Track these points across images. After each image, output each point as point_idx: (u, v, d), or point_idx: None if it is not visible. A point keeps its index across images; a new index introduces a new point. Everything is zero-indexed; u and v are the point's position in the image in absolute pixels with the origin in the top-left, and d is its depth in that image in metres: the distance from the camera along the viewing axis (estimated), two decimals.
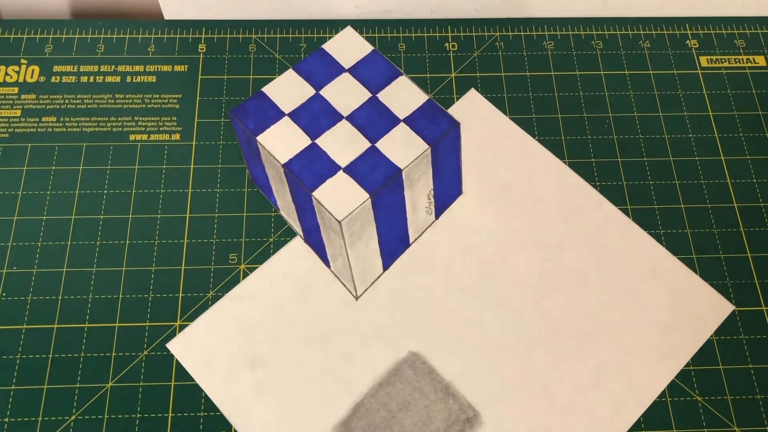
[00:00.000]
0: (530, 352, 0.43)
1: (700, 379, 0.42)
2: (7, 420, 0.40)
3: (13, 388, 0.41)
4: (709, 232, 0.47)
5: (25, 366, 0.41)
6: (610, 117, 0.50)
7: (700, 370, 0.43)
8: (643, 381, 0.42)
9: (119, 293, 0.44)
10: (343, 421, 0.41)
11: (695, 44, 0.54)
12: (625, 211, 0.47)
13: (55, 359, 0.42)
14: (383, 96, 0.46)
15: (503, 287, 0.45)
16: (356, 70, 0.47)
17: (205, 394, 0.41)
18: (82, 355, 0.42)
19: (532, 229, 0.46)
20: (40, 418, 0.40)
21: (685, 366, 0.43)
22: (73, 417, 0.40)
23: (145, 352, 0.42)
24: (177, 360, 0.42)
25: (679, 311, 0.44)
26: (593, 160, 0.49)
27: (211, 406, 0.41)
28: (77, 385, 0.41)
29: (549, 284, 0.45)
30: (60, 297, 0.43)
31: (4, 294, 0.43)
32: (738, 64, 0.53)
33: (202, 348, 0.42)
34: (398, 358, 0.43)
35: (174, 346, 0.43)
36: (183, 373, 0.42)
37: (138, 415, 0.41)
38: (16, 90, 0.50)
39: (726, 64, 0.53)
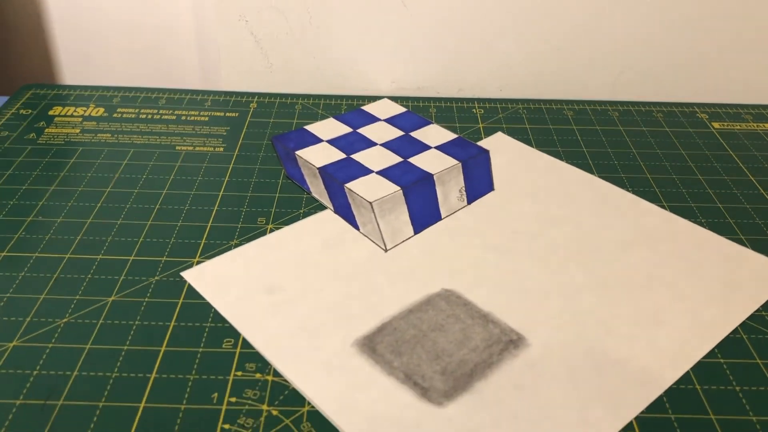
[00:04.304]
0: (578, 295, 0.39)
1: None
2: None
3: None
4: (754, 223, 0.45)
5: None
6: (634, 152, 0.52)
7: None
8: (711, 320, 0.37)
9: (140, 237, 0.42)
10: (367, 335, 0.36)
11: (705, 116, 0.58)
12: (663, 208, 0.46)
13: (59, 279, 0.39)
14: (416, 134, 0.50)
15: (542, 250, 0.42)
16: (391, 120, 0.52)
17: (215, 310, 0.37)
18: (89, 276, 0.39)
19: (567, 215, 0.45)
20: (28, 319, 0.36)
21: (755, 311, 0.38)
22: (65, 319, 0.36)
23: (156, 277, 0.39)
24: (189, 285, 0.38)
25: (737, 273, 0.41)
26: (623, 175, 0.50)
27: (219, 319, 0.36)
28: (76, 297, 0.37)
29: (590, 250, 0.42)
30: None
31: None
32: (749, 128, 0.56)
33: (218, 277, 0.39)
34: (430, 293, 0.39)
35: (189, 275, 0.39)
36: (193, 294, 0.38)
37: (136, 322, 0.36)
38: (80, 119, 0.54)
39: (738, 128, 0.56)
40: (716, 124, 0.57)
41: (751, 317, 0.37)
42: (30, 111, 0.55)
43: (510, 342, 0.35)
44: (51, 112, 0.55)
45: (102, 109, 0.56)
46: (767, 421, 0.32)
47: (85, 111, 0.56)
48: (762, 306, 0.38)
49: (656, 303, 0.38)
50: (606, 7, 0.58)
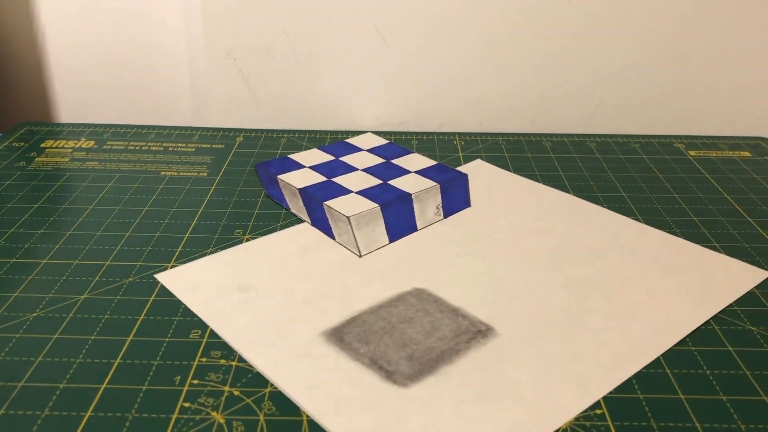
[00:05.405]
0: (552, 294, 0.38)
1: (750, 316, 0.37)
2: None
3: None
4: (728, 233, 0.45)
5: None
6: (611, 175, 0.53)
7: (749, 310, 0.37)
8: (685, 312, 0.37)
9: (118, 246, 0.42)
10: (335, 326, 0.35)
11: (682, 146, 0.59)
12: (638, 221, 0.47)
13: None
14: (396, 161, 0.52)
15: (516, 255, 0.42)
16: (373, 150, 0.53)
17: (185, 306, 0.37)
18: (63, 278, 0.39)
19: (543, 227, 0.46)
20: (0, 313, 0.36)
21: (728, 306, 0.38)
22: (35, 314, 0.36)
23: (130, 279, 0.39)
24: (161, 285, 0.39)
25: (711, 274, 0.40)
26: (599, 194, 0.50)
27: (188, 314, 0.36)
28: (48, 295, 0.38)
29: (565, 255, 0.42)
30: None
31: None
32: (725, 155, 0.57)
33: (190, 279, 0.39)
34: (401, 291, 0.39)
35: (162, 277, 0.39)
36: (165, 293, 0.38)
37: (106, 316, 0.36)
38: (70, 150, 0.56)
39: (714, 155, 0.57)
40: (693, 152, 0.58)
41: (724, 311, 0.37)
42: (23, 144, 0.57)
43: (479, 332, 0.35)
44: (43, 145, 0.57)
45: (92, 142, 0.58)
46: (738, 401, 0.31)
47: (75, 143, 0.57)
48: (735, 302, 0.38)
49: (630, 300, 0.38)
50: (583, 44, 0.60)
